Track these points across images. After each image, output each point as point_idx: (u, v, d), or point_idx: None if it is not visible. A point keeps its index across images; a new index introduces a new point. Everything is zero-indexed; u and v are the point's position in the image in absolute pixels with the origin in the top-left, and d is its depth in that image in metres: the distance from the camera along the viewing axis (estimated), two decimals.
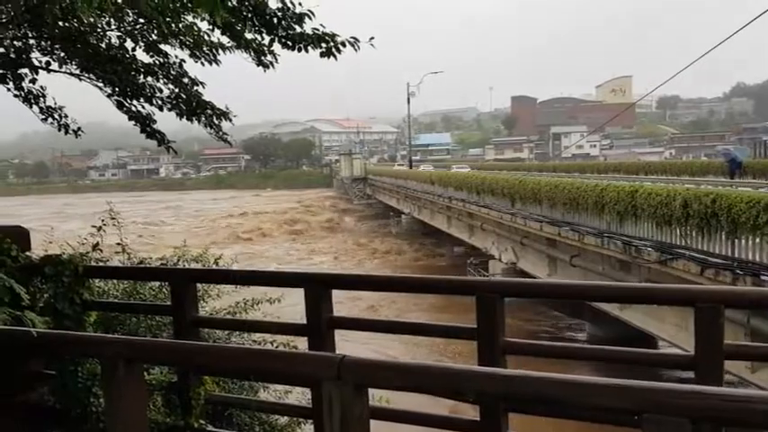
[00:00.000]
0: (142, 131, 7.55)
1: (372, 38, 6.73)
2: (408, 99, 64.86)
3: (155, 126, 7.56)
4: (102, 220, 6.85)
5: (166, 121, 7.73)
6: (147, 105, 7.47)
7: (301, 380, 3.96)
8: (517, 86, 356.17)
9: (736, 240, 12.60)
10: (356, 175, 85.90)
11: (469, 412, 4.03)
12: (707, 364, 3.34)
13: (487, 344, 3.76)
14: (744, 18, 11.37)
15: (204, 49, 7.22)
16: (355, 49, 6.64)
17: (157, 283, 6.61)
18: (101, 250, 6.58)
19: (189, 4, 4.88)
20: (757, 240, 12.04)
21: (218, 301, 6.85)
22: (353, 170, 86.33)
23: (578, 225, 19.29)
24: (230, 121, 7.65)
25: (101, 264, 6.31)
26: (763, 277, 11.67)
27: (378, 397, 4.00)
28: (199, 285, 6.66)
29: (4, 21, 6.51)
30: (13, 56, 7.22)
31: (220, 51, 7.25)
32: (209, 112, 7.42)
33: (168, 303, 5.26)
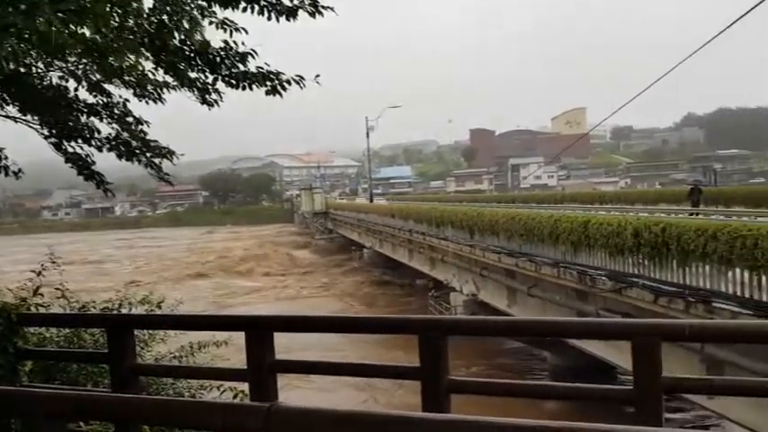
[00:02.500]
0: (79, 173, 7.41)
1: (318, 75, 6.76)
2: (368, 133, 65.30)
3: (93, 168, 7.42)
4: (42, 264, 6.66)
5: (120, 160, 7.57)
6: (85, 147, 7.34)
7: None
8: (477, 118, 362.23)
9: (687, 268, 12.85)
10: (317, 209, 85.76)
11: None
12: (646, 400, 3.34)
13: (431, 384, 3.71)
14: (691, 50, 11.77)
15: (148, 87, 7.15)
16: (301, 87, 6.66)
17: (98, 329, 6.42)
18: (41, 295, 6.38)
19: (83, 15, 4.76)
20: (707, 268, 12.29)
21: (162, 345, 6.68)
22: (315, 204, 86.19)
23: (535, 256, 19.50)
24: (172, 159, 7.56)
25: (40, 310, 6.12)
26: (714, 304, 11.90)
27: None
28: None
29: None
30: None
31: (165, 90, 7.18)
32: (147, 153, 7.32)
33: (105, 351, 5.09)
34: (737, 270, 11.49)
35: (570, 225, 17.25)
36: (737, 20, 10.02)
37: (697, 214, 25.42)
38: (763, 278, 10.98)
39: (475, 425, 2.11)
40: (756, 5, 9.80)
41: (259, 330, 4.23)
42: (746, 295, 11.32)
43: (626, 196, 46.19)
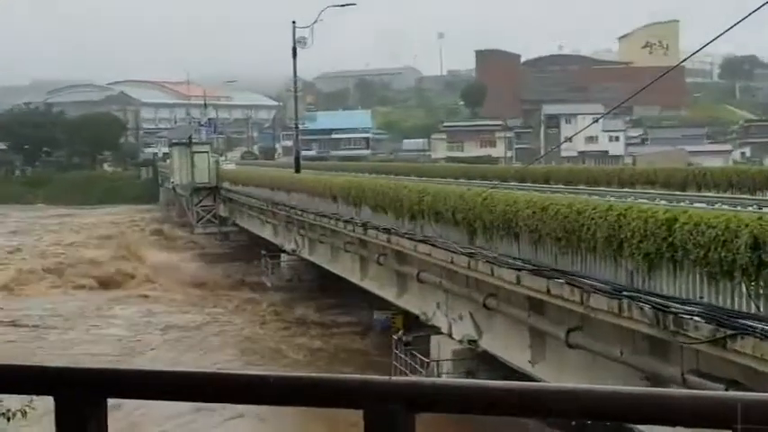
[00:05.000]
0: None
1: None
2: (294, 50, 65.03)
3: None
4: None
5: None
6: None
7: None
8: (485, 36, 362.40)
9: None
10: (200, 181, 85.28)
11: None
12: None
13: None
14: None
15: None
16: None
17: None
18: None
19: None
20: None
21: None
22: (195, 174, 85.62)
23: (580, 276, 19.66)
24: None
25: None
26: None
27: None
28: None
29: None
30: None
31: None
32: None
33: None
34: None
35: (644, 225, 17.44)
36: None
37: None
38: None
39: None
40: None
41: (80, 393, 4.19)
42: None
43: (743, 177, 46.60)
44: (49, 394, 4.15)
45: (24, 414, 6.67)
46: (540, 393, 3.23)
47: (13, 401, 6.60)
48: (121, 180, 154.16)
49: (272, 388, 4.17)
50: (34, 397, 6.04)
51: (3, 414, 6.58)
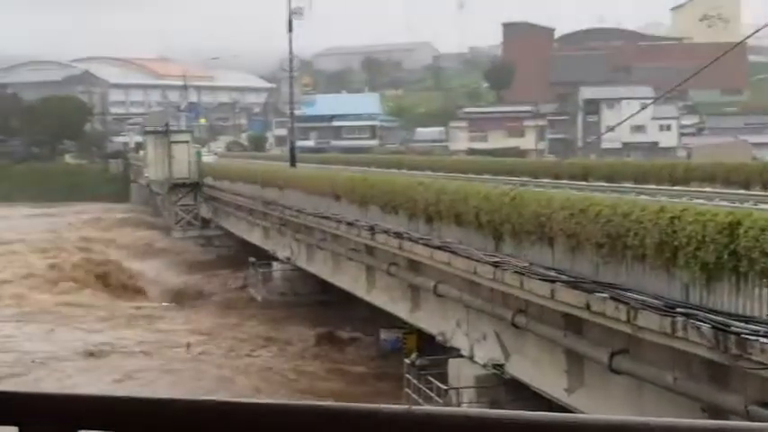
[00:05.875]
0: None
1: None
2: (290, 21, 65.18)
3: None
4: None
5: None
6: None
7: None
8: (512, 6, 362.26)
9: None
10: (179, 176, 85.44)
11: None
12: None
13: None
14: None
15: None
16: None
17: None
18: None
19: None
20: None
21: None
22: (173, 167, 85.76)
23: (626, 290, 19.67)
24: None
25: None
26: None
27: None
28: None
29: None
30: None
31: None
32: None
33: None
34: None
35: (701, 230, 17.46)
36: None
37: None
38: None
39: None
40: None
41: (49, 424, 4.25)
42: None
43: None
44: (14, 425, 4.22)
45: None
46: (586, 427, 3.26)
47: None
48: (87, 174, 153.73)
49: (281, 417, 4.22)
50: None
51: None
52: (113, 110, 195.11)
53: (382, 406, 3.67)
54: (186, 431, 3.96)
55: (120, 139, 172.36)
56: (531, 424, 3.59)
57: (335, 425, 3.17)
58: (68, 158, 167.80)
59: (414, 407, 3.11)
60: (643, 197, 26.47)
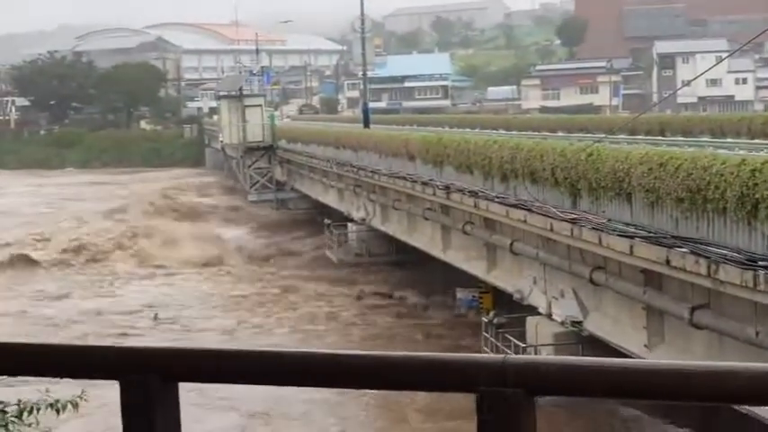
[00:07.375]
0: None
1: None
2: None
3: None
4: None
5: None
6: None
7: None
8: None
9: None
10: (253, 140, 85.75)
11: None
12: None
13: None
14: None
15: None
16: None
17: None
18: None
19: None
20: None
21: None
22: (247, 131, 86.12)
23: (706, 244, 19.54)
24: None
25: None
26: None
27: None
28: None
29: None
30: None
31: None
32: None
33: None
34: None
35: None
36: None
37: None
38: None
39: None
40: None
41: (149, 376, 4.29)
42: None
43: None
44: (113, 378, 4.26)
45: (76, 406, 6.81)
46: (690, 373, 3.23)
47: (63, 391, 6.71)
48: (162, 140, 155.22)
49: (382, 368, 4.23)
50: (89, 386, 6.15)
51: (51, 405, 6.71)
52: (187, 75, 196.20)
53: (477, 355, 3.69)
54: (270, 380, 4.05)
55: (194, 104, 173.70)
56: (642, 371, 3.57)
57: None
58: (143, 125, 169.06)
59: (509, 355, 3.12)
60: (722, 151, 26.12)
